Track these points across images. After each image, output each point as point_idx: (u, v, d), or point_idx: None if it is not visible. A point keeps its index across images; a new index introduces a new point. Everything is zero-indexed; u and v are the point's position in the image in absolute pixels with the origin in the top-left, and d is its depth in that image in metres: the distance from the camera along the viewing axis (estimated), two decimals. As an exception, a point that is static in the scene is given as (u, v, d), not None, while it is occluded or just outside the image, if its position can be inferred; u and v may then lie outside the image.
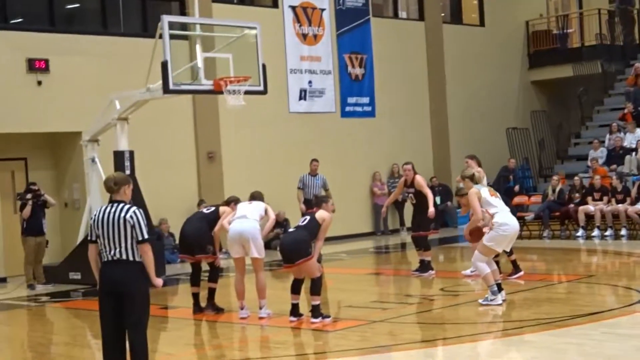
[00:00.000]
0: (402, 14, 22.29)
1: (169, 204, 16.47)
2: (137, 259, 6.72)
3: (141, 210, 6.82)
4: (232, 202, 10.79)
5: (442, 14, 22.66)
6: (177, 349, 9.20)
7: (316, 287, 9.70)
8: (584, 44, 24.28)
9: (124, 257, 6.69)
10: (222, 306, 10.80)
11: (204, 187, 17.50)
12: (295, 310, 9.87)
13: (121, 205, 6.74)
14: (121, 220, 6.64)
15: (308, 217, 9.98)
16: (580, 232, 17.37)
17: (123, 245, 6.66)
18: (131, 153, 14.11)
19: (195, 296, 10.85)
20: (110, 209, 6.73)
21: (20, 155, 16.08)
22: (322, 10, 20.02)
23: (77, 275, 14.07)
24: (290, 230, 10.50)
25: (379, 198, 20.31)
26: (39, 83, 15.56)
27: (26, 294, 13.65)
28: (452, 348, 8.48)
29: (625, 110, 20.33)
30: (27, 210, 14.13)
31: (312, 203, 15.61)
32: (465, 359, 8.04)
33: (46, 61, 15.61)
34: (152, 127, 15.92)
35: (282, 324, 9.81)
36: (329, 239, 17.56)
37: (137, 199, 11.61)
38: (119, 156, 14.07)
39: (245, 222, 10.11)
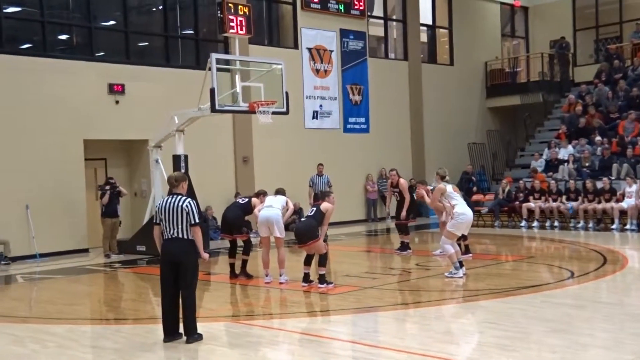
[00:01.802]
0: (391, 55, 22.17)
1: (213, 195, 16.44)
2: (189, 237, 6.79)
3: (194, 201, 6.89)
4: (261, 194, 10.81)
5: (422, 55, 22.53)
6: (217, 306, 9.20)
7: (323, 260, 9.72)
8: (529, 80, 24.07)
9: (180, 235, 6.76)
10: (252, 273, 10.80)
11: (239, 183, 17.46)
12: (306, 278, 9.87)
13: (179, 196, 6.83)
14: (179, 208, 6.74)
15: (315, 208, 10.00)
16: (523, 223, 17.27)
17: (180, 227, 6.75)
18: (186, 157, 14.07)
19: (232, 265, 10.86)
20: (171, 199, 6.83)
21: (101, 156, 16.06)
22: (331, 51, 19.93)
23: (142, 248, 14.07)
24: (303, 219, 10.49)
25: (370, 194, 20.28)
26: (117, 102, 15.54)
27: (103, 262, 13.68)
28: (425, 309, 8.46)
29: (560, 131, 20.22)
30: (106, 198, 14.14)
31: (318, 197, 15.65)
32: (434, 319, 8.00)
33: (122, 86, 15.58)
34: (202, 137, 15.88)
35: (296, 288, 9.78)
36: (332, 224, 17.55)
37: (190, 192, 11.54)
38: (176, 159, 14.03)
39: (271, 210, 10.16)
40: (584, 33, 24.69)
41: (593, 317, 7.66)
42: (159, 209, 6.82)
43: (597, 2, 24.12)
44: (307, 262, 9.89)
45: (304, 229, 9.76)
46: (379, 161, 20.53)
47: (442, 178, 10.67)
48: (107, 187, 14.20)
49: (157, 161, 14.58)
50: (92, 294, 10.96)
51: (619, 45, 22.84)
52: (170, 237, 6.76)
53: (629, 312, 7.86)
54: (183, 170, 13.75)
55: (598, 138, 18.95)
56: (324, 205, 9.94)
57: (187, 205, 6.74)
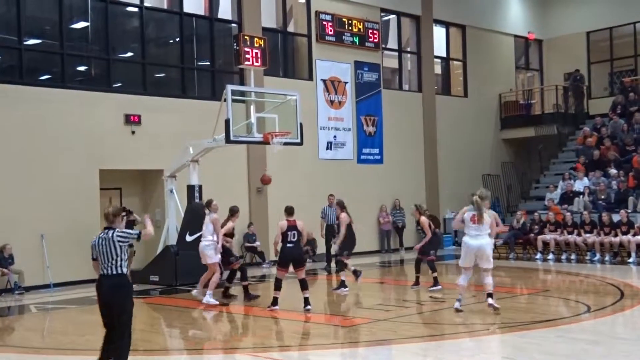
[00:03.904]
0: (405, 86, 22.30)
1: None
2: (122, 272, 6.47)
3: (125, 231, 6.64)
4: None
5: (436, 87, 22.63)
6: (226, 337, 9.10)
7: (307, 284, 10.47)
8: (544, 112, 24.06)
9: (112, 272, 6.43)
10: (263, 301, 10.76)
11: (253, 214, 17.50)
12: (275, 302, 10.50)
13: (112, 230, 6.52)
14: (110, 242, 6.46)
15: (295, 232, 10.48)
16: (538, 256, 17.12)
17: (111, 262, 6.45)
18: (200, 187, 14.15)
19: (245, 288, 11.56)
20: (104, 235, 6.53)
21: (116, 185, 16.17)
22: (346, 83, 20.09)
23: (155, 278, 14.08)
24: (290, 244, 10.52)
25: (383, 225, 20.21)
26: (133, 132, 15.70)
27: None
28: (439, 343, 8.36)
29: (579, 161, 20.09)
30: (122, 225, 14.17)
31: (329, 230, 15.67)
32: (449, 353, 7.90)
33: (139, 116, 15.76)
34: (216, 167, 15.95)
35: (300, 318, 9.70)
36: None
37: (201, 222, 11.64)
38: (191, 189, 14.12)
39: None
40: (599, 66, 24.71)
41: (610, 353, 7.53)
42: (93, 245, 6.51)
43: (612, 35, 24.18)
44: (279, 287, 10.41)
45: (301, 254, 10.64)
46: (392, 192, 20.51)
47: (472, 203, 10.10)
48: (123, 214, 14.23)
49: (171, 191, 14.66)
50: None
51: (634, 78, 22.82)
52: (103, 273, 6.44)
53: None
54: (197, 200, 13.83)
55: (613, 171, 18.84)
56: (301, 224, 10.59)
57: (117, 236, 6.41)
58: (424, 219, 12.90)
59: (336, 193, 17.25)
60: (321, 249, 17.41)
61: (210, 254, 11.12)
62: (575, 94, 23.88)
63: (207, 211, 11.40)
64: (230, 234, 11.76)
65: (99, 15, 15.80)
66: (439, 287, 12.51)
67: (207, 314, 10.70)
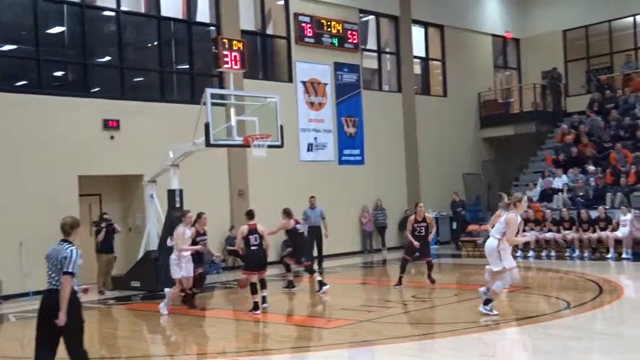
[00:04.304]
0: (385, 87, 22.36)
1: (209, 229, 16.30)
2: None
3: (78, 251, 6.12)
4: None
5: (415, 87, 22.73)
6: (206, 342, 9.07)
7: (265, 283, 10.79)
8: (522, 110, 24.26)
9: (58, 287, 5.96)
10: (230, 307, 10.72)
11: (235, 217, 17.42)
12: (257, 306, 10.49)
13: (65, 244, 6.13)
14: (59, 257, 6.04)
15: (258, 235, 10.63)
16: (519, 253, 17.24)
17: (58, 277, 6.03)
18: (181, 191, 14.06)
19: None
20: (57, 247, 6.16)
21: (96, 191, 16.02)
22: (326, 84, 20.09)
23: (137, 284, 13.97)
24: (254, 247, 10.65)
25: (365, 225, 20.26)
26: (112, 138, 15.58)
27: (97, 298, 13.52)
28: (421, 343, 8.39)
29: (553, 157, 20.33)
30: (101, 235, 14.07)
31: (311, 231, 15.69)
32: (431, 352, 7.93)
33: (118, 121, 15.63)
34: (197, 171, 15.86)
35: (284, 321, 9.69)
36: (328, 256, 17.57)
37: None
38: (171, 194, 14.02)
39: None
40: (575, 64, 24.97)
41: (590, 347, 7.61)
42: (46, 256, 6.19)
43: (588, 33, 24.44)
44: (256, 290, 10.53)
45: (264, 257, 10.76)
46: (374, 192, 20.55)
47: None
48: (103, 225, 14.14)
49: (151, 196, 14.56)
50: (85, 332, 10.82)
51: (610, 75, 23.08)
52: (49, 287, 6.08)
53: (626, 343, 7.81)
54: (178, 205, 13.74)
55: (591, 167, 19.03)
56: (261, 228, 10.73)
57: (67, 252, 6.00)
58: (428, 215, 13.03)
59: (318, 194, 17.29)
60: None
61: (173, 269, 10.97)
62: (553, 92, 24.10)
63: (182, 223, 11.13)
64: (196, 241, 11.35)
65: (75, 20, 15.67)
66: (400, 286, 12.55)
67: (186, 319, 10.63)
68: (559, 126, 22.19)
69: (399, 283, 12.69)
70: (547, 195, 18.97)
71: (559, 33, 24.78)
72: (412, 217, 13.00)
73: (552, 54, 24.62)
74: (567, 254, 16.66)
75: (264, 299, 10.65)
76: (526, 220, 17.60)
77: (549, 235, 17.03)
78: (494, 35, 25.03)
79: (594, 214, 16.74)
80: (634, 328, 8.85)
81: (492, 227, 10.10)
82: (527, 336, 8.20)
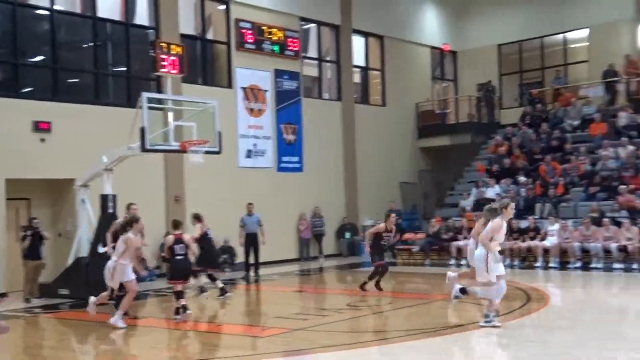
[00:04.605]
0: (325, 95, 22.48)
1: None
2: None
3: None
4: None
5: (355, 96, 22.92)
6: (140, 352, 8.87)
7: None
8: (458, 121, 24.77)
9: None
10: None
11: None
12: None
13: None
14: None
15: (183, 244, 10.48)
16: (452, 261, 17.57)
17: None
18: (114, 196, 13.74)
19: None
20: None
21: (25, 195, 15.46)
22: (266, 91, 20.04)
23: (65, 291, 13.51)
24: (180, 256, 10.50)
25: (303, 232, 20.26)
26: (42, 140, 15.09)
27: (23, 307, 12.97)
28: (354, 351, 8.40)
29: (483, 165, 20.87)
30: (27, 242, 13.51)
31: (248, 239, 15.57)
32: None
33: (49, 123, 15.16)
34: (132, 176, 15.49)
35: (218, 330, 9.58)
36: (264, 263, 17.45)
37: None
38: (104, 199, 13.68)
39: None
40: (509, 77, 25.72)
41: (517, 355, 7.80)
42: None
43: (521, 48, 25.23)
44: (182, 296, 10.44)
45: (189, 267, 10.64)
46: (312, 200, 20.59)
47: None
48: (29, 232, 13.56)
49: (83, 201, 14.17)
50: (10, 343, 10.41)
51: (541, 90, 23.86)
52: None
53: (552, 350, 8.04)
54: (111, 211, 13.41)
55: (522, 178, 19.60)
56: (187, 237, 10.68)
57: None
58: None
59: (256, 201, 17.21)
60: (240, 257, 17.28)
61: (119, 275, 10.43)
62: (488, 104, 24.75)
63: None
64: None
65: (6, 19, 15.14)
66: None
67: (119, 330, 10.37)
68: (493, 137, 22.78)
69: (379, 289, 12.68)
70: (481, 204, 19.36)
71: (494, 47, 25.49)
72: (382, 226, 12.88)
73: (488, 67, 25.29)
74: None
75: (184, 307, 10.42)
76: (460, 229, 18.03)
77: (481, 244, 17.38)
78: (432, 47, 25.52)
79: (524, 223, 17.23)
80: (559, 336, 9.11)
81: (478, 234, 10.13)
82: (458, 343, 8.34)
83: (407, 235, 19.45)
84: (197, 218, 12.78)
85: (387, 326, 9.71)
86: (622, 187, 17.16)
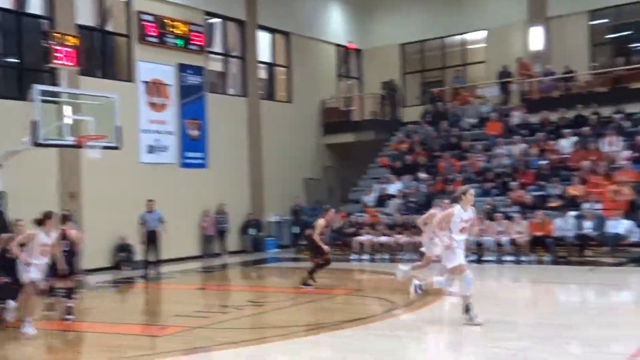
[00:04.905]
0: (230, 91, 22.29)
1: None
2: None
3: None
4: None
5: (260, 92, 22.86)
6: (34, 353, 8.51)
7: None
8: (363, 118, 25.17)
9: None
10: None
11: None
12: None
13: None
14: None
15: (67, 241, 10.22)
16: (354, 257, 17.87)
17: None
18: (3, 193, 13.08)
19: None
20: None
21: None
22: (169, 85, 19.62)
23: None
24: (64, 254, 10.19)
25: (206, 229, 20.01)
26: None
27: None
28: (254, 348, 8.40)
29: (385, 161, 21.35)
30: None
31: (148, 236, 15.22)
32: (259, 357, 7.98)
33: None
34: (24, 171, 14.79)
35: (114, 331, 9.34)
36: (166, 261, 17.11)
37: (4, 232, 10.76)
38: (-7, 195, 13.03)
39: None
40: (412, 76, 26.42)
41: (416, 347, 8.06)
42: None
43: (423, 48, 25.99)
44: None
45: (72, 263, 10.30)
46: (216, 196, 20.39)
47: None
48: None
49: (-30, 198, 13.42)
50: None
51: (442, 89, 24.67)
52: None
53: (446, 340, 8.36)
54: (1, 208, 12.78)
55: (423, 175, 20.21)
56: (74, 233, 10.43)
57: None
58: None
59: (158, 197, 16.84)
60: (139, 256, 16.87)
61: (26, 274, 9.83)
62: (391, 102, 25.33)
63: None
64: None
65: None
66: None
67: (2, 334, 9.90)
68: (396, 135, 23.34)
69: (308, 284, 12.64)
70: (383, 200, 19.87)
71: (397, 46, 26.10)
72: (323, 221, 12.89)
73: (391, 66, 25.86)
74: (399, 257, 17.51)
75: (69, 310, 10.09)
76: (362, 224, 18.37)
77: (383, 239, 17.82)
78: (337, 45, 25.83)
79: (423, 219, 17.73)
80: (453, 327, 9.46)
81: (424, 224, 10.78)
82: (358, 337, 8.50)
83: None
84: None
85: (288, 322, 9.75)
86: (514, 183, 18.03)
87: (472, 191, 8.91)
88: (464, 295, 8.78)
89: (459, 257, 8.73)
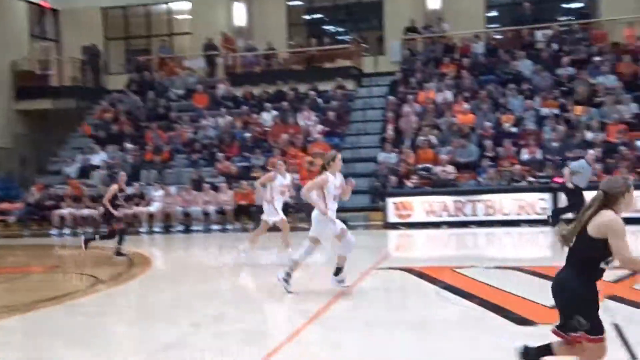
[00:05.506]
0: None
1: None
2: None
3: None
4: None
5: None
6: None
7: None
8: (62, 84, 23.40)
9: None
10: None
11: None
12: None
13: None
14: None
15: None
16: (54, 231, 16.73)
17: None
18: None
19: None
20: None
21: None
22: None
23: None
24: None
25: None
26: None
27: None
28: None
29: (91, 133, 20.30)
30: None
31: None
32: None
33: None
34: None
35: None
36: None
37: None
38: None
39: None
40: (116, 43, 25.28)
41: (118, 320, 7.79)
42: None
43: (127, 13, 24.99)
44: None
45: None
46: None
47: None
48: None
49: None
50: None
51: (148, 58, 24.06)
52: None
53: (149, 310, 8.23)
54: None
55: (129, 145, 19.58)
56: None
57: None
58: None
59: None
60: None
61: None
62: (93, 69, 23.97)
63: None
64: None
65: None
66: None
67: None
68: (100, 103, 22.19)
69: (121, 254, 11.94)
70: (86, 171, 18.81)
71: (98, 9, 24.71)
72: (116, 187, 12.39)
73: (93, 30, 24.43)
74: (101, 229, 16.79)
75: None
76: (63, 197, 17.20)
77: (86, 212, 16.91)
78: (30, 3, 23.51)
79: (130, 190, 17.23)
80: (159, 295, 9.36)
81: (262, 185, 10.85)
82: (52, 318, 7.92)
83: (2, 206, 17.78)
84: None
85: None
86: (220, 154, 18.46)
87: (339, 156, 8.50)
88: (341, 256, 8.37)
89: (338, 222, 8.31)
